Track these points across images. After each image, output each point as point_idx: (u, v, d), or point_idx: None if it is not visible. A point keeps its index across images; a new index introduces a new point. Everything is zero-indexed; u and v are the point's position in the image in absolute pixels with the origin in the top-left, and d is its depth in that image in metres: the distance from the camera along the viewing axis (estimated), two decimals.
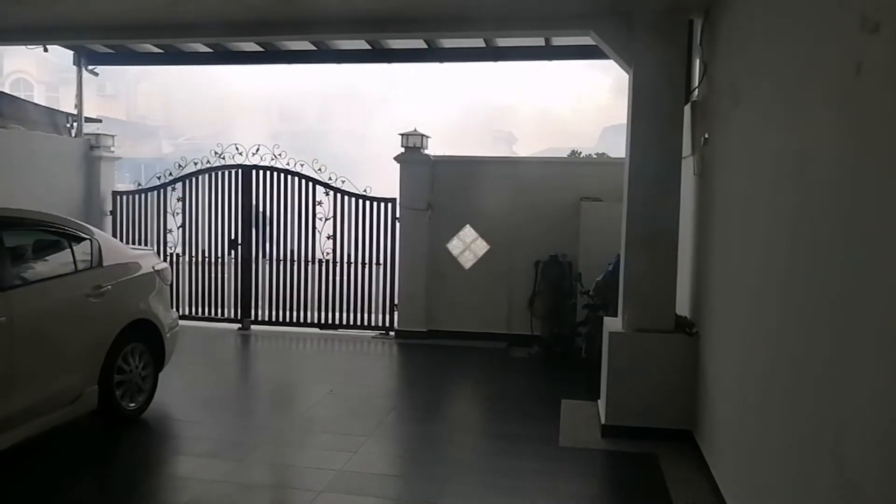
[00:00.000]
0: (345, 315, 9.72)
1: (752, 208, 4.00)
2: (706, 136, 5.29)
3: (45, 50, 7.88)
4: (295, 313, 9.86)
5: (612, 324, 5.85)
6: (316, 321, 9.80)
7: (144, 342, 5.78)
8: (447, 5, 5.67)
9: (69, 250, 5.24)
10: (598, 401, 6.12)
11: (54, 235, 5.22)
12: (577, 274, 8.46)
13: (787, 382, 3.19)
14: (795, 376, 3.08)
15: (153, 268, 6.07)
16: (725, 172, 4.74)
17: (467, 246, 9.29)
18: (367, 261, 9.61)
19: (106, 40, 7.03)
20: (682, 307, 5.78)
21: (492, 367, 8.01)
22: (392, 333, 9.44)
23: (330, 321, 9.75)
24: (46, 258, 5.19)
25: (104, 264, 5.43)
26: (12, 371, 4.49)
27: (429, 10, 5.82)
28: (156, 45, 8.83)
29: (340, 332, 9.68)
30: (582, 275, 8.32)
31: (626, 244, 5.72)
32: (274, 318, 9.89)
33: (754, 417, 3.74)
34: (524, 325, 8.89)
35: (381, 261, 9.58)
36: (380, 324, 9.63)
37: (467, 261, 9.29)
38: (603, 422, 5.65)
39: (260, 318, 9.92)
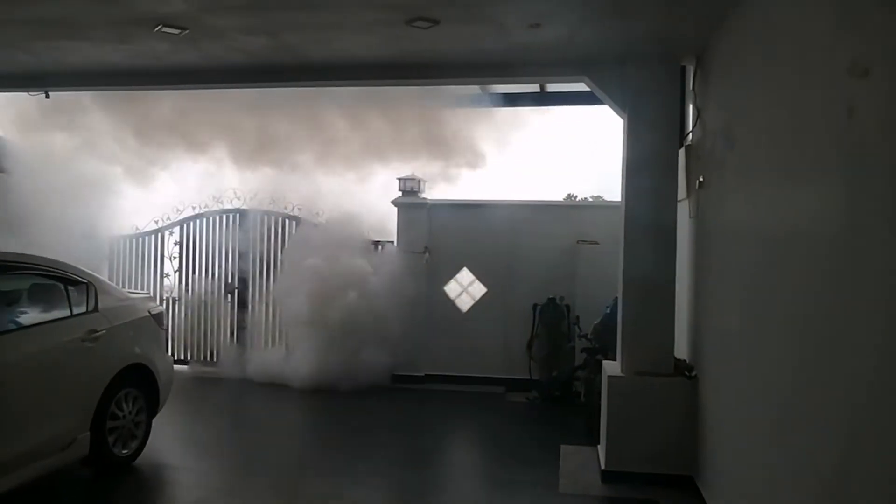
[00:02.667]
0: None
1: (748, 251, 4.01)
2: (701, 179, 5.34)
3: (47, 96, 7.99)
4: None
5: (611, 367, 5.81)
6: None
7: (138, 387, 5.70)
8: (446, 54, 5.77)
9: (64, 294, 5.21)
10: (598, 446, 6.04)
11: (50, 279, 5.19)
12: (575, 317, 8.43)
13: (787, 427, 3.16)
14: (795, 421, 3.05)
15: (149, 312, 6.04)
16: (721, 215, 4.77)
17: (464, 289, 9.29)
18: None
19: (106, 87, 7.11)
20: (681, 350, 5.75)
21: (490, 412, 7.92)
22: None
23: None
24: (41, 302, 5.15)
25: (99, 308, 5.40)
26: (4, 416, 4.42)
27: (428, 59, 5.92)
28: None
29: None
30: (580, 318, 8.30)
31: (623, 287, 5.72)
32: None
33: (756, 462, 3.68)
34: (522, 369, 8.81)
35: None
36: None
37: (465, 304, 9.27)
38: (603, 467, 5.56)
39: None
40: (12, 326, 4.65)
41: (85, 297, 5.35)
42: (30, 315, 4.97)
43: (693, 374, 5.39)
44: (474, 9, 4.71)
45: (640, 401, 5.48)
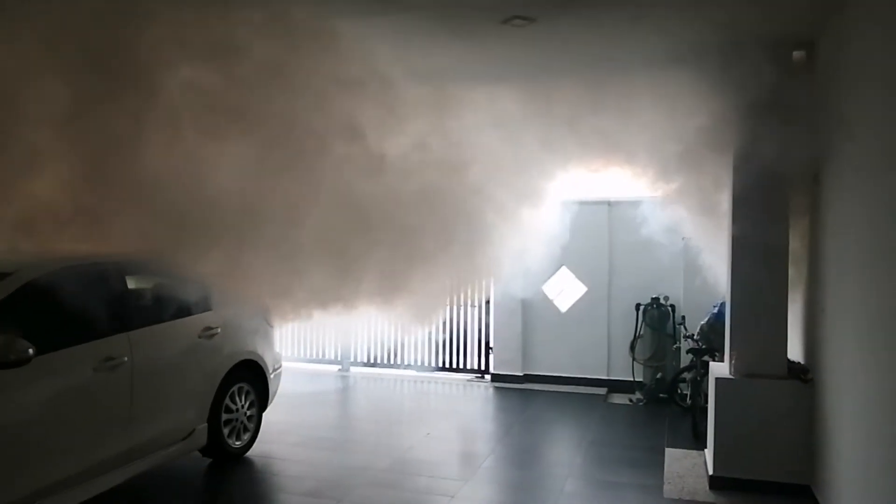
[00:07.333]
0: (440, 358, 9.78)
1: (871, 244, 3.76)
2: (817, 173, 5.05)
3: None
4: (393, 356, 10.00)
5: (719, 369, 5.59)
6: (413, 363, 9.90)
7: (250, 382, 6.00)
8: (543, 53, 5.74)
9: (184, 294, 5.53)
10: (705, 450, 5.83)
11: (170, 279, 5.53)
12: (681, 317, 8.17)
13: None
14: None
15: (259, 310, 6.32)
16: (839, 205, 4.50)
17: (563, 288, 9.17)
18: (462, 302, 9.67)
19: None
20: (794, 352, 5.46)
21: (591, 414, 7.80)
22: (487, 377, 9.38)
23: (427, 363, 9.83)
24: (164, 300, 5.50)
25: (214, 307, 5.71)
26: (132, 407, 4.76)
27: (523, 60, 5.91)
28: None
29: (436, 374, 9.72)
30: (686, 318, 8.03)
31: (731, 285, 5.48)
32: (372, 361, 10.05)
33: (882, 476, 3.45)
34: (625, 371, 8.63)
35: (476, 303, 9.60)
36: (475, 367, 9.61)
37: (564, 303, 9.16)
38: (711, 473, 5.36)
39: (359, 360, 10.12)
40: (140, 324, 4.98)
41: (201, 297, 5.66)
42: (154, 313, 5.32)
43: (809, 377, 5.11)
44: (572, 4, 4.64)
45: (750, 404, 5.24)
